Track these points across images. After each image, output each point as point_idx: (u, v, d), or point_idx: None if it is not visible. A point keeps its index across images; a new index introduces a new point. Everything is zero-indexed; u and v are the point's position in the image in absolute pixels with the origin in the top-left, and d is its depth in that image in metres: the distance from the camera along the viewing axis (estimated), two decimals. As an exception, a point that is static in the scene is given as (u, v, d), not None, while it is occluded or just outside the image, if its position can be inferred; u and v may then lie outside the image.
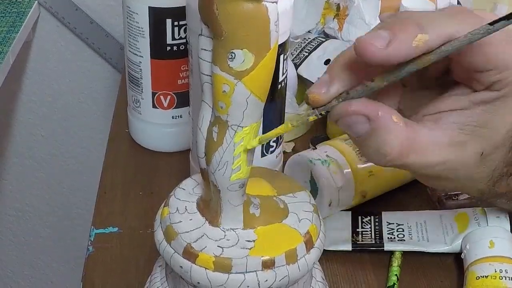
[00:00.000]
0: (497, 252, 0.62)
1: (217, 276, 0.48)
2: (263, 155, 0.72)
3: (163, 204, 0.53)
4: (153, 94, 0.79)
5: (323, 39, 0.91)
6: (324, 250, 0.66)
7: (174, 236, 0.49)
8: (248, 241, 0.50)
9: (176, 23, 0.75)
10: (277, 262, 0.49)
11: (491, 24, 0.43)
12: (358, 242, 0.68)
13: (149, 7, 0.74)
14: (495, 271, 0.60)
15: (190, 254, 0.48)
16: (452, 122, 0.50)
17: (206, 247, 0.48)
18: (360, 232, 0.70)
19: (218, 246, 0.49)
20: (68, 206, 1.46)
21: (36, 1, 1.20)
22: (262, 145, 0.73)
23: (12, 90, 1.30)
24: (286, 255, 0.49)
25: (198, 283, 0.48)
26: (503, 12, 1.47)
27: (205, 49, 0.47)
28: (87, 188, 1.42)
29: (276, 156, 0.75)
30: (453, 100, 0.51)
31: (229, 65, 0.45)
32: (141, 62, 0.78)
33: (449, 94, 0.52)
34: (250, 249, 0.49)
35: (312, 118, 0.48)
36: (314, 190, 0.69)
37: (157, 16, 0.75)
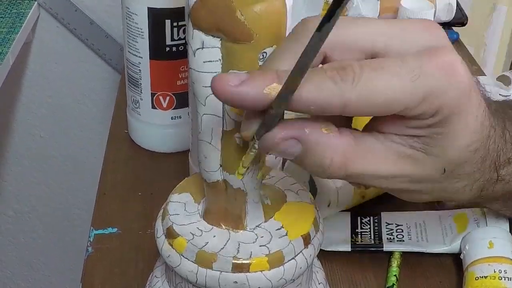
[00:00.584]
0: (497, 253, 0.62)
1: (274, 273, 0.48)
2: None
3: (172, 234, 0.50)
4: (152, 95, 0.79)
5: (323, 40, 0.91)
6: (323, 250, 0.67)
7: (215, 258, 0.48)
8: (278, 229, 0.50)
9: (175, 24, 0.75)
10: (311, 234, 0.50)
11: (318, 29, 0.38)
12: (357, 243, 0.68)
13: (148, 8, 0.74)
14: (494, 272, 0.60)
15: (241, 266, 0.48)
16: (399, 139, 0.47)
17: (252, 252, 0.48)
18: (359, 233, 0.70)
19: (260, 246, 0.49)
20: (68, 206, 1.46)
21: (36, 2, 1.20)
22: None
23: (11, 91, 1.30)
24: (313, 225, 0.50)
25: (259, 287, 0.48)
26: (503, 13, 1.47)
27: (209, 61, 0.45)
28: (86, 189, 1.42)
29: (276, 157, 0.76)
30: (391, 125, 0.47)
31: (260, 65, 0.45)
32: (140, 63, 0.78)
33: (381, 126, 0.47)
34: (286, 235, 0.49)
35: (252, 152, 0.46)
36: (313, 190, 0.69)
37: (156, 17, 0.75)
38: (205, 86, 0.46)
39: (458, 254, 0.66)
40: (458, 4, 1.12)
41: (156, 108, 0.80)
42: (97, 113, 1.34)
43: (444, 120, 0.45)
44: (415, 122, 0.45)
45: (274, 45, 0.45)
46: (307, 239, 0.50)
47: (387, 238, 0.69)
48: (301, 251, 0.49)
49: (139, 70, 0.78)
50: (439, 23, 1.09)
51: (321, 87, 0.42)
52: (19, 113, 1.33)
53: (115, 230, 0.71)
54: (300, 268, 0.49)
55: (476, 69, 1.04)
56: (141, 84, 0.79)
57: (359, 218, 0.72)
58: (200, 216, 0.51)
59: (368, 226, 0.70)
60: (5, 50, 1.05)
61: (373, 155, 0.46)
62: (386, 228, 0.70)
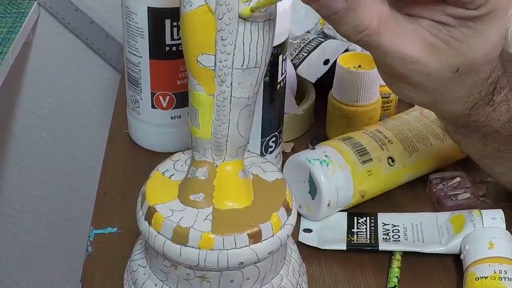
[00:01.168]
0: (497, 253, 0.62)
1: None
2: (262, 155, 0.73)
3: None
4: (152, 94, 0.79)
5: (322, 39, 0.91)
6: (321, 249, 0.67)
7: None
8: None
9: (175, 23, 0.75)
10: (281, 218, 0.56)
11: None
12: (352, 242, 0.68)
13: (148, 7, 0.74)
14: (495, 272, 0.60)
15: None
16: (428, 25, 0.49)
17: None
18: (355, 233, 0.70)
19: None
20: (68, 206, 1.46)
21: (36, 2, 1.19)
22: (261, 145, 0.73)
23: (11, 91, 1.30)
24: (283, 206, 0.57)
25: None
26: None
27: None
28: (86, 189, 1.42)
29: (275, 157, 0.76)
30: (437, 12, 0.49)
31: None
32: (140, 63, 0.78)
33: (435, 5, 0.50)
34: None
35: None
36: (313, 190, 0.69)
37: (156, 17, 0.75)
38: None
39: (458, 254, 0.66)
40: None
41: (156, 108, 0.80)
42: (97, 113, 1.33)
43: (485, 17, 0.47)
44: (457, 10, 0.48)
45: None
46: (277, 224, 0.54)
47: (383, 238, 0.69)
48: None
49: (139, 69, 0.78)
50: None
51: None
52: (19, 112, 1.33)
53: (115, 229, 0.71)
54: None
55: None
56: (141, 83, 0.79)
57: (355, 218, 0.72)
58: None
59: (365, 226, 0.70)
60: (5, 50, 1.05)
61: (403, 33, 0.49)
62: (383, 228, 0.70)
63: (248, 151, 0.62)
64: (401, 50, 0.49)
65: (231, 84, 0.52)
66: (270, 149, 0.74)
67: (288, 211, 0.56)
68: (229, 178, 0.56)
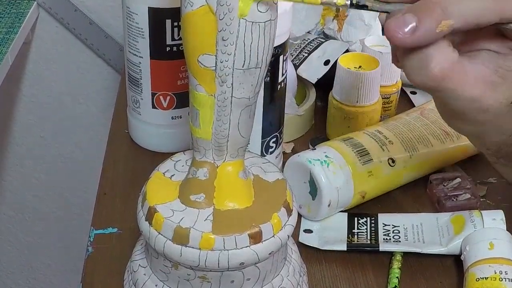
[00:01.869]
0: (497, 254, 0.62)
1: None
2: (262, 155, 0.73)
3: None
4: (153, 94, 0.79)
5: (323, 40, 0.91)
6: (322, 250, 0.67)
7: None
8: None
9: (175, 23, 0.75)
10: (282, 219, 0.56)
11: None
12: (353, 243, 0.68)
13: (148, 7, 0.74)
14: (495, 273, 0.60)
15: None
16: (488, 61, 0.51)
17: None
18: (355, 233, 0.70)
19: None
20: (68, 206, 1.46)
21: (35, 2, 1.19)
22: (262, 146, 0.73)
23: (11, 91, 1.30)
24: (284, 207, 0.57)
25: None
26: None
27: None
28: (86, 189, 1.42)
29: (276, 157, 0.76)
30: (494, 43, 0.52)
31: None
32: (140, 63, 0.78)
33: (492, 36, 0.52)
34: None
35: (341, 1, 0.49)
36: (314, 190, 0.69)
37: (157, 17, 0.75)
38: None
39: (458, 255, 0.66)
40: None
41: (157, 108, 0.80)
42: (97, 113, 1.33)
43: None
44: None
45: None
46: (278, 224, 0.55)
47: (383, 239, 0.69)
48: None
49: (140, 70, 0.78)
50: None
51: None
52: (19, 113, 1.33)
53: (115, 230, 0.71)
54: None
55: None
56: (141, 84, 0.79)
57: (356, 218, 0.72)
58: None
59: (365, 227, 0.70)
60: (4, 50, 1.04)
61: (465, 76, 0.50)
62: (383, 229, 0.70)
63: (249, 151, 0.62)
64: (464, 93, 0.50)
65: (232, 84, 0.52)
66: (270, 150, 0.74)
67: (289, 211, 0.56)
68: (230, 179, 0.56)
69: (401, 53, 0.50)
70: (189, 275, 0.55)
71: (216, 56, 0.51)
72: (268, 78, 0.69)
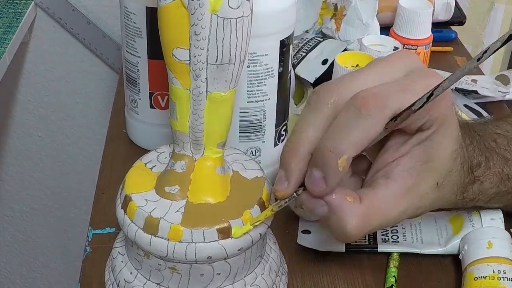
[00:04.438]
0: (496, 253, 0.62)
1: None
2: (276, 144, 0.74)
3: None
4: (151, 94, 0.79)
5: (321, 39, 0.91)
6: (319, 251, 0.67)
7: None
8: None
9: (173, 23, 0.75)
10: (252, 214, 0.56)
11: (478, 59, 0.48)
12: (351, 243, 0.68)
13: (146, 7, 0.74)
14: (494, 272, 0.60)
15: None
16: (400, 171, 0.55)
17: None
18: (354, 234, 0.70)
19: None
20: (66, 206, 1.46)
21: (33, 2, 1.19)
22: (275, 134, 0.74)
23: (9, 91, 1.30)
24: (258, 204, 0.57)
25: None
26: (501, 12, 1.47)
27: None
28: (84, 189, 1.42)
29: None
30: (394, 151, 0.55)
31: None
32: (138, 62, 0.78)
33: (388, 146, 0.56)
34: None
35: (280, 206, 0.54)
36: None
37: (155, 16, 0.74)
38: None
39: (457, 254, 0.66)
40: (456, 3, 1.12)
41: (154, 108, 0.80)
42: (95, 113, 1.33)
43: (438, 129, 0.53)
44: (418, 136, 0.54)
45: None
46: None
47: (382, 239, 0.68)
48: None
49: (137, 69, 0.78)
50: (437, 22, 1.09)
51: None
52: (17, 113, 1.33)
53: (113, 230, 0.71)
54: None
55: (474, 68, 1.03)
56: (139, 83, 0.79)
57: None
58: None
59: (364, 227, 0.70)
60: (2, 50, 1.04)
61: (386, 206, 0.54)
62: (381, 229, 0.70)
63: (233, 147, 0.63)
64: (388, 219, 0.55)
65: (206, 79, 0.53)
66: (282, 138, 0.75)
67: (263, 209, 0.56)
68: (206, 173, 0.57)
69: (321, 222, 0.56)
70: (159, 265, 0.56)
71: (189, 50, 0.52)
72: (282, 68, 0.70)
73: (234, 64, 0.53)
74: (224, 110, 0.55)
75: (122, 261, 0.60)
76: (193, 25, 0.51)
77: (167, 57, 0.53)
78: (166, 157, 0.60)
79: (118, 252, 0.61)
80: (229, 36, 0.51)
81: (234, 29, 0.51)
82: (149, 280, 0.57)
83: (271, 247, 0.62)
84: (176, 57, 0.53)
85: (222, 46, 0.52)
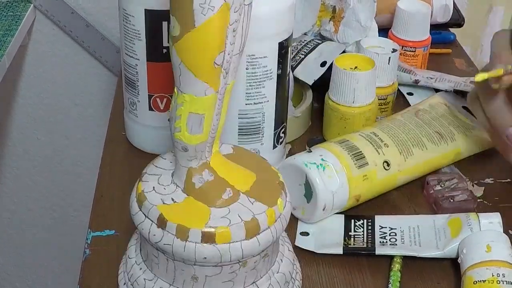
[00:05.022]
0: (494, 257, 0.62)
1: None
2: (274, 146, 0.75)
3: None
4: (150, 96, 0.79)
5: (319, 41, 0.91)
6: (317, 253, 0.67)
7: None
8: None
9: (172, 26, 0.75)
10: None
11: None
12: (349, 246, 0.68)
13: (145, 9, 0.74)
14: (493, 276, 0.60)
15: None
16: None
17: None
18: (352, 236, 0.70)
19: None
20: (65, 209, 1.46)
21: (32, 5, 1.19)
22: (274, 137, 0.75)
23: (8, 94, 1.30)
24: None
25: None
26: (500, 14, 1.47)
27: None
28: (83, 191, 1.42)
29: (284, 147, 0.78)
30: None
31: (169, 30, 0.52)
32: (137, 65, 0.78)
33: None
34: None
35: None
36: (309, 193, 0.69)
37: (154, 19, 0.75)
38: None
39: (454, 258, 0.66)
40: (454, 5, 1.12)
41: (153, 110, 0.80)
42: (94, 115, 1.33)
43: None
44: None
45: (173, 16, 0.52)
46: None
47: (380, 242, 0.68)
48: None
49: (136, 72, 0.78)
50: (435, 24, 1.09)
51: None
52: (16, 115, 1.33)
53: (112, 232, 0.71)
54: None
55: (472, 70, 1.04)
56: (138, 86, 0.79)
57: (352, 221, 0.72)
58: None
59: (362, 229, 0.70)
60: (1, 53, 1.04)
61: None
62: (380, 231, 0.70)
63: None
64: None
65: (227, 72, 0.54)
66: (280, 140, 0.75)
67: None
68: (229, 166, 0.58)
69: None
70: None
71: (224, 50, 0.52)
72: (280, 70, 0.71)
73: (244, 50, 0.54)
74: (227, 100, 0.56)
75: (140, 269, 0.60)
76: (233, 23, 0.51)
77: (206, 68, 0.52)
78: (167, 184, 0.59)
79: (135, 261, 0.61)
80: (247, 22, 0.53)
81: (249, 15, 0.53)
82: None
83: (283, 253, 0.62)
84: (216, 64, 0.52)
85: (246, 34, 0.53)
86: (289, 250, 0.62)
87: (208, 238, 0.53)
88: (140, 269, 0.59)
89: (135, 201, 0.58)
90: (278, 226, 0.56)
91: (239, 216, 0.54)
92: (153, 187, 0.58)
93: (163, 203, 0.56)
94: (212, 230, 0.53)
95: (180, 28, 0.51)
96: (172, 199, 0.56)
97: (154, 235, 0.55)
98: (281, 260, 0.61)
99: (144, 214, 0.56)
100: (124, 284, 0.61)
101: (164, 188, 0.57)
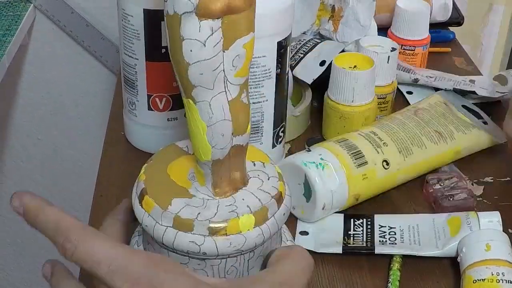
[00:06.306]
0: (494, 255, 0.62)
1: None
2: (273, 146, 0.75)
3: None
4: (149, 96, 0.79)
5: (318, 41, 0.91)
6: (317, 252, 0.67)
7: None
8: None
9: (171, 25, 0.75)
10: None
11: None
12: (349, 245, 0.68)
13: (144, 9, 0.74)
14: (492, 274, 0.60)
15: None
16: None
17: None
18: (351, 235, 0.70)
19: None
20: (65, 208, 1.44)
21: (32, 5, 1.20)
22: (273, 136, 0.75)
23: (8, 94, 1.30)
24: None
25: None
26: (500, 12, 1.47)
27: (217, 43, 0.49)
28: (83, 191, 1.42)
29: (283, 146, 0.78)
30: None
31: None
32: (136, 65, 0.78)
33: None
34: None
35: None
36: (308, 192, 0.69)
37: (152, 19, 0.75)
38: (214, 70, 0.48)
39: (453, 257, 0.66)
40: (454, 4, 1.12)
41: (153, 110, 0.80)
42: (94, 115, 1.34)
43: None
44: None
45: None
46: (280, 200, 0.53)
47: (379, 241, 0.68)
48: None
49: (135, 71, 0.78)
50: (435, 23, 1.09)
51: None
52: (16, 115, 1.33)
53: (111, 232, 0.71)
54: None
55: (472, 69, 1.04)
56: (137, 85, 0.79)
57: (352, 220, 0.72)
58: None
59: (361, 229, 0.70)
60: (1, 53, 1.05)
61: None
62: (379, 230, 0.70)
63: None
64: None
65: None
66: (279, 139, 0.75)
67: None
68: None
69: None
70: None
71: None
72: (279, 69, 0.71)
73: None
74: None
75: None
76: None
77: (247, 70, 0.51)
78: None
79: None
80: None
81: None
82: None
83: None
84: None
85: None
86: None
87: (215, 231, 0.52)
88: None
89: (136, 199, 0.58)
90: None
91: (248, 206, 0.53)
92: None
93: None
94: (222, 225, 0.52)
95: None
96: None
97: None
98: None
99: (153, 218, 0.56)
100: None
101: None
